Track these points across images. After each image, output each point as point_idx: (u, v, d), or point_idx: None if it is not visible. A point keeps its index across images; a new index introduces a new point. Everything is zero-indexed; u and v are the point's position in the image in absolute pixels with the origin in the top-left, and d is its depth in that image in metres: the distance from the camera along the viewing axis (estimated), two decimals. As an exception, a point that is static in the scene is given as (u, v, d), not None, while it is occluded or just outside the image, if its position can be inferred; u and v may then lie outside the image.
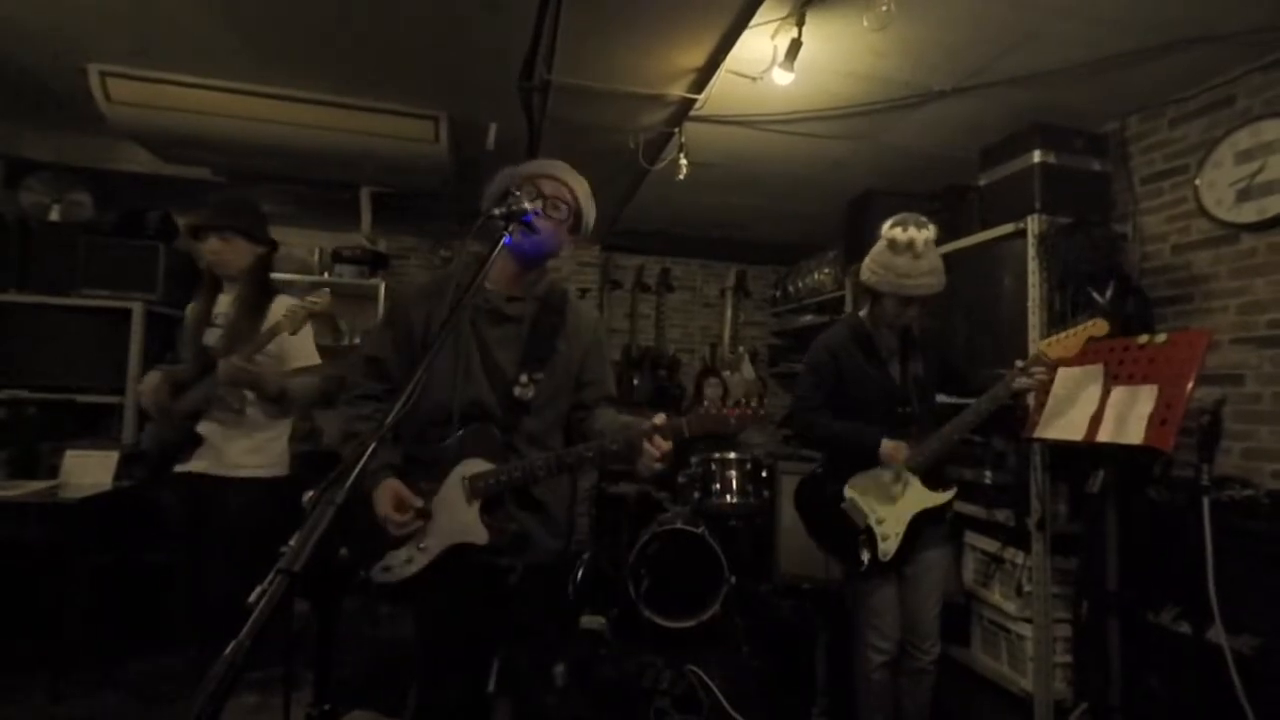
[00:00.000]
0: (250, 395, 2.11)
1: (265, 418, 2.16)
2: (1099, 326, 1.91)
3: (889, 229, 1.99)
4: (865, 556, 1.97)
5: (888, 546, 1.95)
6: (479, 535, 1.36)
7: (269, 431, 2.17)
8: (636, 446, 1.29)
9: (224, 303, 2.18)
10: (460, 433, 1.40)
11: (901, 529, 1.96)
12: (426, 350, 1.44)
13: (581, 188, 1.50)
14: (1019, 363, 1.94)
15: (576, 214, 1.49)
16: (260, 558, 1.93)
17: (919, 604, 2.05)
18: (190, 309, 2.23)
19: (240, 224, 2.16)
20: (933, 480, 1.99)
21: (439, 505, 1.38)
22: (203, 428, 2.10)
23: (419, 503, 1.35)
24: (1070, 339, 1.91)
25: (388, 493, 1.35)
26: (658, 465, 1.28)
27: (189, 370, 2.11)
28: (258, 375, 2.03)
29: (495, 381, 1.43)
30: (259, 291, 2.17)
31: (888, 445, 1.96)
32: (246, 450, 2.12)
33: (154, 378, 2.12)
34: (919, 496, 1.97)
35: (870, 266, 2.02)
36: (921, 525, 1.98)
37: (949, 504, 2.03)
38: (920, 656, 2.04)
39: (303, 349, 2.17)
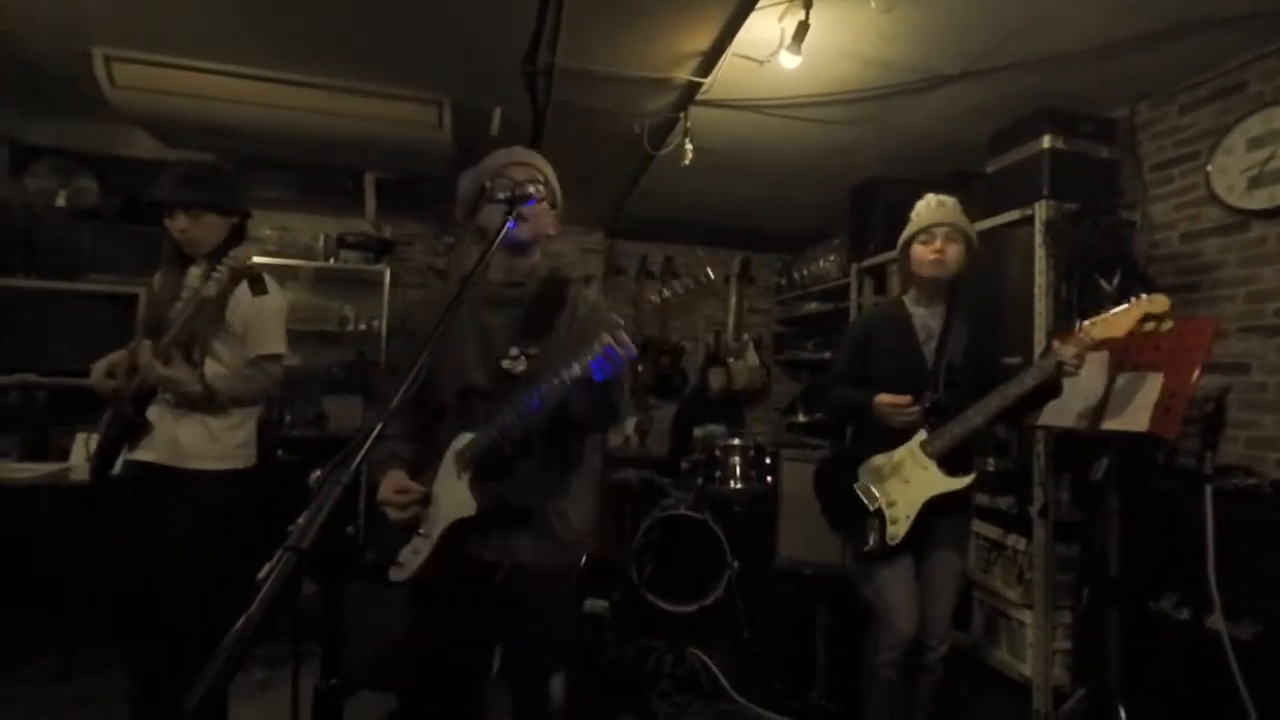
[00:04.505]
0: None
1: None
2: (1158, 303, 1.65)
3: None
4: (873, 539, 1.92)
5: (896, 530, 1.90)
6: (469, 506, 1.35)
7: (228, 418, 1.92)
8: (592, 341, 1.21)
9: (194, 275, 1.94)
10: (455, 416, 1.41)
11: (913, 513, 1.90)
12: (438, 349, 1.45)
13: (545, 164, 1.52)
14: (1055, 342, 1.77)
15: (551, 188, 1.50)
16: (218, 565, 1.84)
17: (934, 601, 1.99)
18: (156, 281, 1.99)
19: (207, 198, 1.92)
20: (952, 466, 1.91)
21: (438, 488, 1.38)
22: (151, 412, 1.88)
23: (419, 488, 1.36)
24: (1118, 318, 1.68)
25: (389, 480, 1.38)
26: (622, 352, 1.19)
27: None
28: (170, 378, 1.79)
29: (486, 360, 1.43)
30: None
31: (884, 397, 1.89)
32: (202, 439, 1.88)
33: (116, 357, 1.92)
34: (935, 481, 1.91)
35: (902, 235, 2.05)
36: (939, 515, 1.92)
37: (969, 493, 1.96)
38: (928, 653, 1.99)
39: (266, 334, 1.94)
